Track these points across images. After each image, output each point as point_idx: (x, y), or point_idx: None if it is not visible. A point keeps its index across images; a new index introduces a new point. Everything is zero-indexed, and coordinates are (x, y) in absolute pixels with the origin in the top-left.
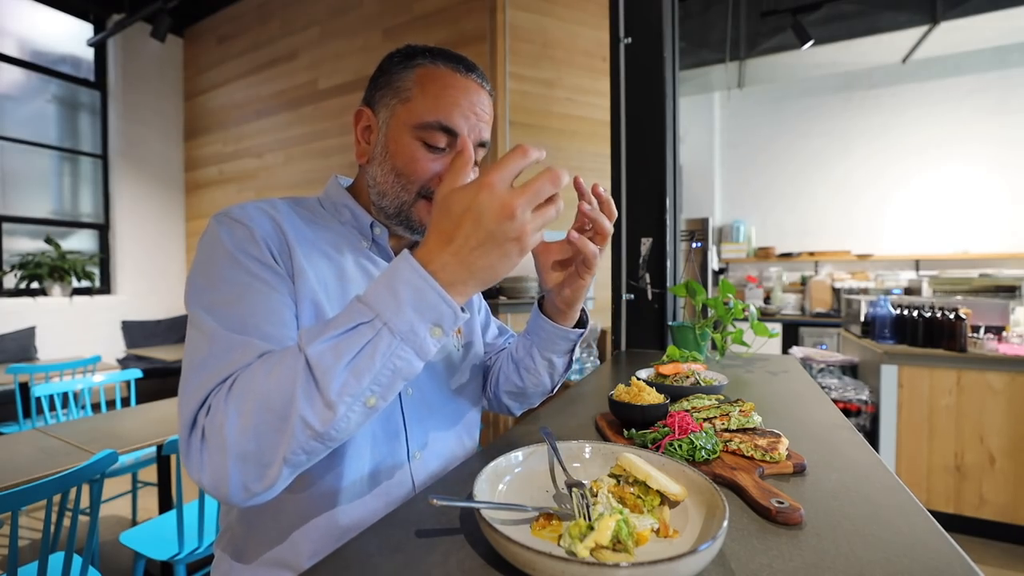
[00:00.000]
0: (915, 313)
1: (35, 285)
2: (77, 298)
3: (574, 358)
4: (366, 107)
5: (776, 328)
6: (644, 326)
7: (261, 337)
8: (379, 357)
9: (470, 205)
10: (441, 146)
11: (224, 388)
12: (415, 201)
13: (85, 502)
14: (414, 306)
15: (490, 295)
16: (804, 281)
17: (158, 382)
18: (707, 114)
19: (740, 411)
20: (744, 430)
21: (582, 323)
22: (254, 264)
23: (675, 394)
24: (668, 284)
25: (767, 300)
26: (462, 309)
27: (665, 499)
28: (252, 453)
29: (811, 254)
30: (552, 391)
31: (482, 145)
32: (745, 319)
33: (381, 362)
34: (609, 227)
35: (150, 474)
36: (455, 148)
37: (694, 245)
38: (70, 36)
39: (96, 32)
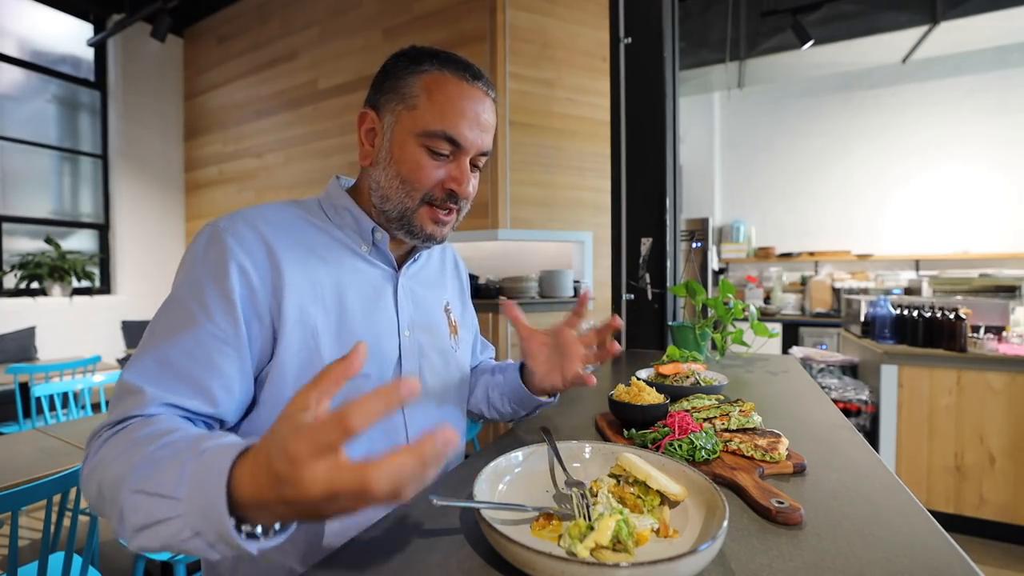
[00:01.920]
0: (915, 313)
1: (35, 285)
2: (77, 298)
3: None
4: (370, 110)
5: (776, 328)
6: (644, 326)
7: (178, 376)
8: (168, 532)
9: (277, 464)
10: (445, 153)
11: (105, 436)
12: (418, 207)
13: (85, 502)
14: (211, 524)
15: (490, 295)
16: (804, 281)
17: None
18: (707, 114)
19: (740, 411)
20: (744, 430)
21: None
22: (211, 295)
23: (675, 394)
24: (668, 284)
25: (767, 300)
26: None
27: (665, 499)
28: (99, 507)
29: (811, 254)
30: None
31: (484, 154)
32: (745, 319)
33: (173, 539)
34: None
35: None
36: (458, 153)
37: (694, 245)
38: (70, 36)
39: (96, 32)
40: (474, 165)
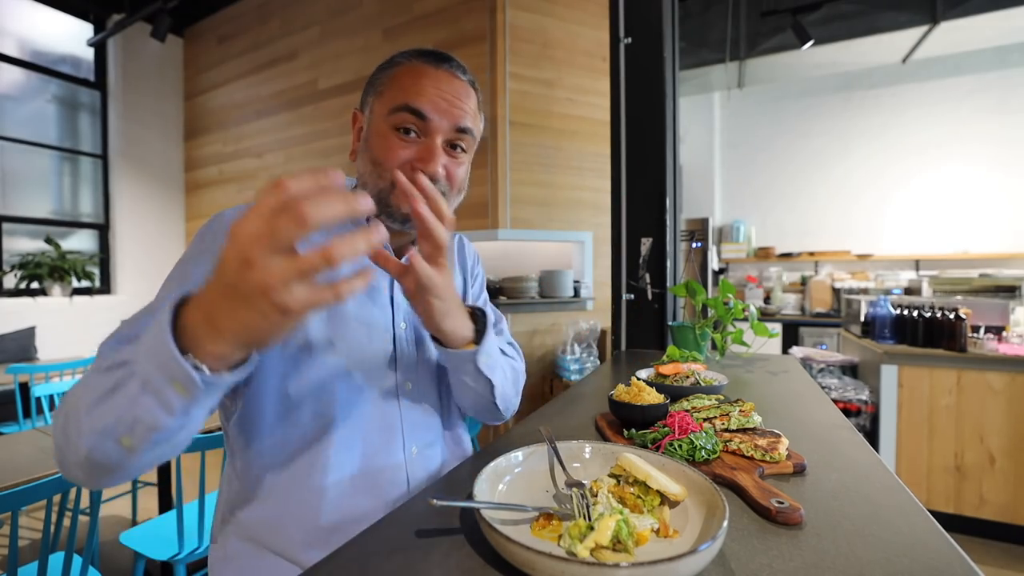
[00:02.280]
0: (915, 313)
1: (35, 285)
2: (77, 298)
3: (494, 377)
4: (358, 110)
5: (776, 328)
6: (644, 326)
7: None
8: (119, 399)
9: (221, 252)
10: (414, 131)
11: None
12: (391, 188)
13: (85, 502)
14: (154, 359)
15: (490, 295)
16: (804, 281)
17: None
18: (707, 114)
19: (740, 411)
20: (744, 430)
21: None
22: (197, 273)
23: (675, 394)
24: (668, 284)
25: (767, 300)
26: (239, 363)
27: (665, 499)
28: (64, 434)
29: (811, 254)
30: (498, 407)
31: (462, 131)
32: (745, 319)
33: (123, 406)
34: (441, 234)
35: (150, 474)
36: (427, 130)
37: (694, 245)
38: (70, 36)
39: (96, 32)
40: (455, 146)
